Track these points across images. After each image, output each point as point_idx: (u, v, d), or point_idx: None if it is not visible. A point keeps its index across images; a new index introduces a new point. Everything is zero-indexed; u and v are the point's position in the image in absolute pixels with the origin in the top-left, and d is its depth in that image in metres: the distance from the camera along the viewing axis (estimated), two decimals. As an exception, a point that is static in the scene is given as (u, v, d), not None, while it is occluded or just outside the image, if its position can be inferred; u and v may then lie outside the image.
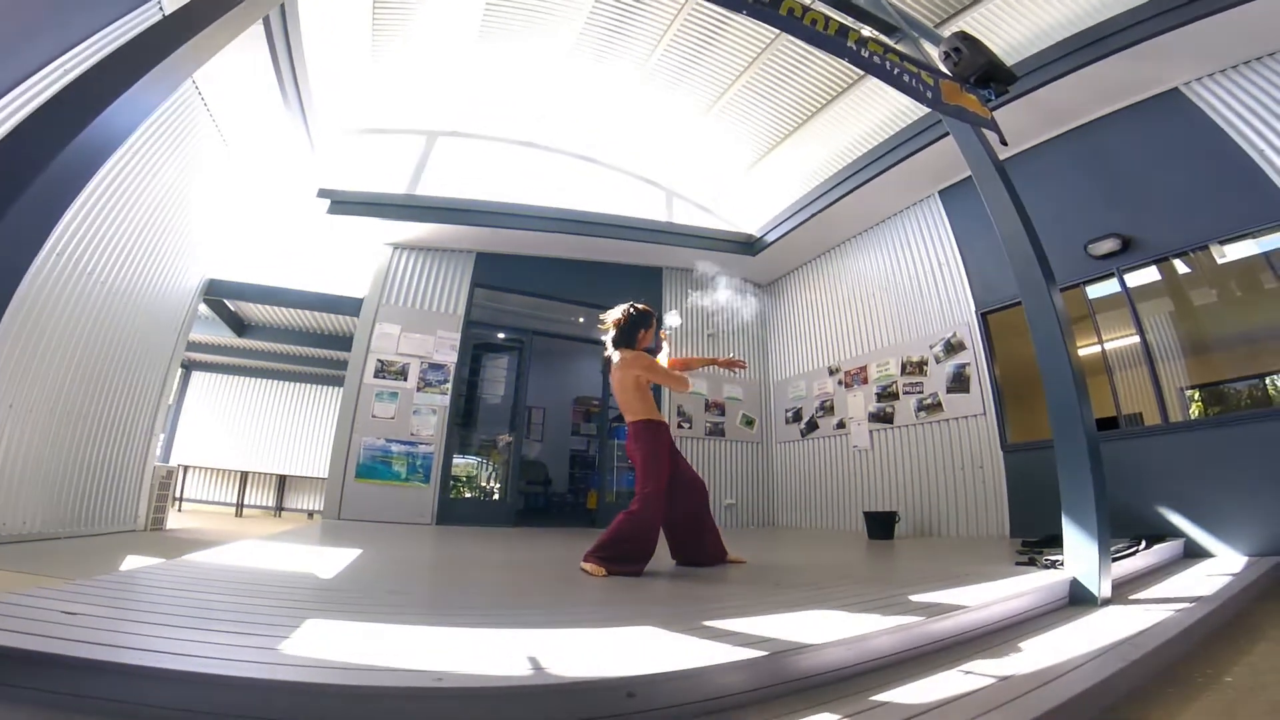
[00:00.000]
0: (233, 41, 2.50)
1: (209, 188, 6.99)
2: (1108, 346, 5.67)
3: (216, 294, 9.01)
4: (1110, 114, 5.84)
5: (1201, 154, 5.13)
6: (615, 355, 4.06)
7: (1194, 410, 5.96)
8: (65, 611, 1.72)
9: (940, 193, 7.42)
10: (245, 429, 13.61)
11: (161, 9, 4.84)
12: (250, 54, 5.57)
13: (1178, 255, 5.33)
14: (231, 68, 5.71)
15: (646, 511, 3.60)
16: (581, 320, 10.12)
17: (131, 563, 4.29)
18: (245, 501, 13.13)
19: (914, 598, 2.53)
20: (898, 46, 3.88)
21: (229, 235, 8.36)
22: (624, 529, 3.54)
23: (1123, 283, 5.49)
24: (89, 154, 1.90)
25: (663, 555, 4.08)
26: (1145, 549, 4.05)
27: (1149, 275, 5.55)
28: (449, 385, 8.01)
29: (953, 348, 6.88)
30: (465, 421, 8.58)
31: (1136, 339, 5.38)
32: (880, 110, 7.87)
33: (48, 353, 5.16)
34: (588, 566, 3.45)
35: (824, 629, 1.96)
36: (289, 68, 5.98)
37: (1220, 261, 5.18)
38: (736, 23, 7.64)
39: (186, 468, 12.75)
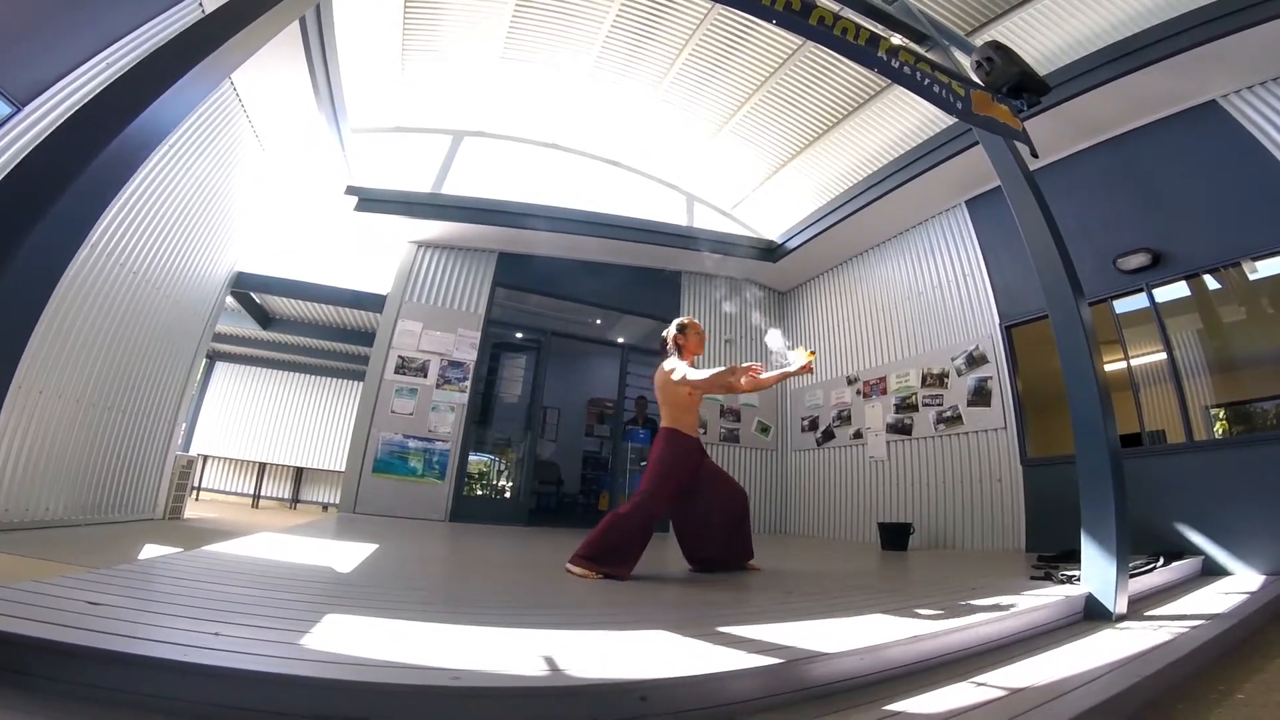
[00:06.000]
0: (270, 41, 2.54)
1: (241, 183, 7.10)
2: (1134, 362, 5.58)
3: (244, 287, 9.14)
4: (1144, 126, 5.75)
5: (1237, 168, 5.03)
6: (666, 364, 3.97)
7: (1219, 429, 5.87)
8: (90, 602, 1.74)
9: (967, 202, 7.35)
10: (265, 421, 13.78)
11: (202, 7, 4.93)
12: (286, 54, 5.66)
13: (1209, 271, 5.24)
14: (267, 67, 5.81)
15: (637, 515, 3.56)
16: (599, 322, 10.15)
17: (151, 552, 4.36)
18: (262, 493, 13.30)
19: (928, 609, 2.51)
20: (928, 55, 3.86)
21: (258, 229, 8.49)
22: (609, 529, 3.52)
23: (1151, 298, 5.41)
24: (131, 151, 1.94)
25: (676, 561, 4.10)
26: (1163, 566, 4.00)
27: (1178, 290, 5.47)
28: (468, 383, 8.06)
29: (975, 360, 6.81)
30: (482, 420, 8.63)
31: (1163, 355, 5.30)
32: (907, 119, 7.83)
33: (78, 341, 5.27)
34: (576, 569, 3.40)
35: (838, 638, 1.95)
36: (323, 68, 6.07)
37: (1252, 278, 5.09)
38: (758, 32, 7.64)
39: (206, 457, 12.95)
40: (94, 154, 1.79)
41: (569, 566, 3.46)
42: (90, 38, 4.32)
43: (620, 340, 10.01)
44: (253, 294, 10.22)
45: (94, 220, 1.93)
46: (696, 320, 4.24)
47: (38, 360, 4.86)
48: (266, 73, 5.93)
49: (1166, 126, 5.61)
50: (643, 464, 9.00)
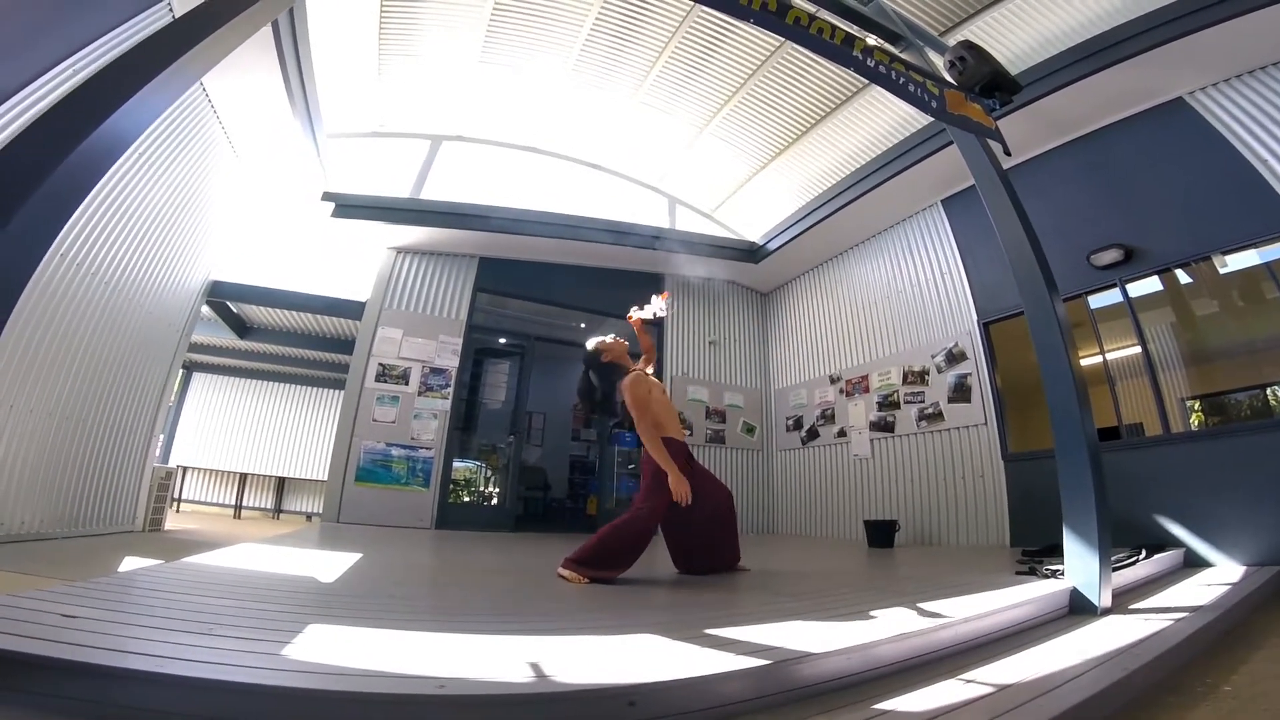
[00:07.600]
0: (241, 45, 2.51)
1: (215, 190, 7.00)
2: (1109, 357, 5.66)
3: (219, 296, 9.00)
4: (1114, 123, 5.85)
5: (1205, 164, 5.13)
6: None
7: (1194, 420, 5.96)
8: (63, 614, 1.71)
9: (943, 202, 7.43)
10: (245, 431, 13.56)
11: (172, 11, 4.85)
12: (259, 59, 5.58)
13: (1180, 265, 5.33)
14: (240, 72, 5.72)
15: (635, 524, 3.59)
16: (583, 326, 10.12)
17: (130, 564, 4.28)
18: (244, 503, 13.12)
19: (915, 607, 2.52)
20: (903, 55, 3.89)
21: (233, 237, 8.37)
22: (609, 537, 3.52)
23: (1125, 293, 5.49)
24: (98, 156, 1.90)
25: (665, 563, 4.09)
26: (1145, 558, 4.04)
27: (1151, 285, 5.55)
28: (450, 390, 8.00)
29: (954, 357, 6.87)
30: (466, 426, 8.57)
31: (1138, 349, 5.37)
32: (883, 119, 7.89)
33: (49, 353, 5.15)
34: (565, 573, 3.41)
35: (826, 637, 1.95)
36: (297, 73, 5.99)
37: (1222, 272, 5.17)
38: (737, 34, 7.67)
39: (186, 469, 12.74)
40: (57, 161, 1.75)
41: (560, 571, 3.47)
42: (58, 44, 4.23)
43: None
44: (229, 303, 10.07)
45: (58, 229, 1.89)
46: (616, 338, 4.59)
47: (6, 375, 4.74)
48: (239, 78, 5.84)
49: (1136, 124, 5.71)
50: (630, 467, 8.99)
